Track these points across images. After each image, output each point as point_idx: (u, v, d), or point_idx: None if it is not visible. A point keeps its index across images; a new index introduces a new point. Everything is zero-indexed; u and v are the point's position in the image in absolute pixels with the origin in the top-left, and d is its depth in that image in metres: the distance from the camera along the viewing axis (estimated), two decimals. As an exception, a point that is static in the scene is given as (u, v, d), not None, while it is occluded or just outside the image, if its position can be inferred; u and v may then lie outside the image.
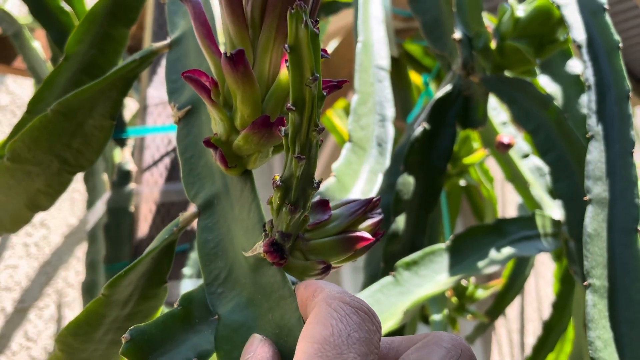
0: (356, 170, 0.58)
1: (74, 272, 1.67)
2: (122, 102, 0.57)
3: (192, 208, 1.04)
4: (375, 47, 0.67)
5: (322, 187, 0.61)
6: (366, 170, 0.59)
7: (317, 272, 0.35)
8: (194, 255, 0.98)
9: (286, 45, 0.28)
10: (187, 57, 0.48)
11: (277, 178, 0.32)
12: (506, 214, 2.79)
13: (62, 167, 0.58)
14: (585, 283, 0.46)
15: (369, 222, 0.37)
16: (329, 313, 0.27)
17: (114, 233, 0.99)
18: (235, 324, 0.34)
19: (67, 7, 0.92)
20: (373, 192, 0.58)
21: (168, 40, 0.50)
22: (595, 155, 0.51)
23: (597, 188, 0.50)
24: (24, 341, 1.50)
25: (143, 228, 1.01)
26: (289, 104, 0.29)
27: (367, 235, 0.36)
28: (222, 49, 0.36)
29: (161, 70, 1.12)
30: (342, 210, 0.37)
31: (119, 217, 1.00)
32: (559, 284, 1.14)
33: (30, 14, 0.92)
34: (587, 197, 0.50)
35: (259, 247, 0.34)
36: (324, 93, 0.29)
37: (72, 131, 0.56)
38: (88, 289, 1.03)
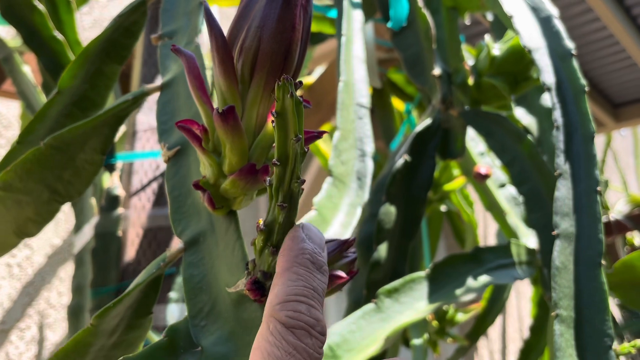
0: (336, 203, 0.60)
1: (57, 293, 1.66)
2: (113, 138, 0.59)
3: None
4: (356, 86, 0.70)
5: (304, 219, 0.63)
6: (346, 204, 0.61)
7: None
8: (180, 280, 1.00)
9: (274, 111, 0.31)
10: (177, 100, 0.50)
11: (261, 222, 0.35)
12: (487, 237, 2.84)
13: (52, 197, 0.59)
14: (553, 314, 0.50)
15: (343, 261, 0.40)
16: (266, 338, 0.29)
17: (102, 257, 1.00)
18: (217, 355, 0.37)
19: (59, 36, 0.95)
20: (352, 224, 0.61)
21: (159, 83, 0.53)
22: (563, 192, 0.55)
23: (565, 223, 0.53)
24: (5, 364, 1.49)
25: (130, 252, 1.02)
26: (274, 160, 0.32)
27: (342, 274, 0.39)
28: (213, 99, 0.39)
29: (151, 97, 1.14)
30: None
31: (107, 241, 1.01)
32: (536, 308, 1.17)
33: (23, 42, 0.94)
34: (555, 232, 0.53)
35: (242, 284, 0.37)
36: (305, 149, 0.32)
37: (64, 164, 0.57)
38: (74, 312, 1.03)
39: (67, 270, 1.71)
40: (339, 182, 0.61)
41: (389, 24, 0.84)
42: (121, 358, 0.36)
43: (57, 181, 0.58)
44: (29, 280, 1.65)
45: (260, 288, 0.36)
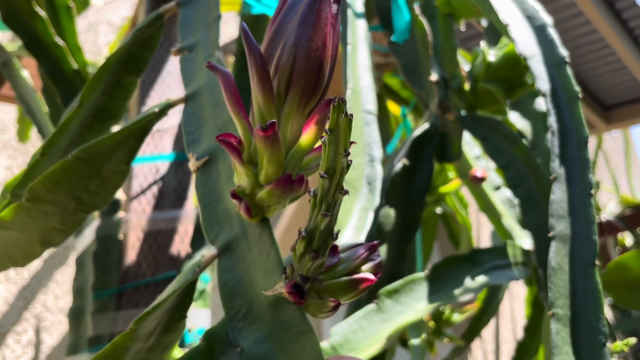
0: (349, 208, 0.62)
1: (53, 296, 1.67)
2: (139, 148, 0.60)
3: (180, 236, 1.06)
4: (363, 93, 0.72)
5: None
6: (358, 208, 0.63)
7: (329, 309, 0.40)
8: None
9: (327, 128, 0.34)
10: (202, 111, 0.52)
11: (302, 229, 0.37)
12: (481, 239, 2.86)
13: (78, 207, 0.60)
14: (549, 312, 0.51)
15: (370, 264, 0.42)
16: None
17: (103, 260, 1.00)
18: (257, 355, 0.39)
19: (60, 42, 0.95)
20: (365, 228, 0.63)
21: (184, 95, 0.54)
22: (559, 195, 0.57)
23: (560, 225, 0.55)
24: (4, 367, 1.49)
25: (131, 255, 1.03)
26: (322, 172, 0.35)
27: (371, 276, 0.41)
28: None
29: (150, 101, 1.15)
30: (349, 254, 0.42)
31: (108, 244, 1.02)
32: (530, 308, 1.19)
33: (25, 48, 0.95)
34: (551, 234, 0.55)
35: (279, 288, 0.39)
36: (349, 162, 0.35)
37: (91, 175, 0.59)
38: (75, 315, 1.04)
39: (63, 274, 1.72)
40: (350, 187, 0.63)
41: (393, 38, 0.86)
42: None
43: (84, 192, 0.60)
44: (26, 283, 1.65)
45: (299, 291, 0.38)
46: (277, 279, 0.40)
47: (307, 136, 0.40)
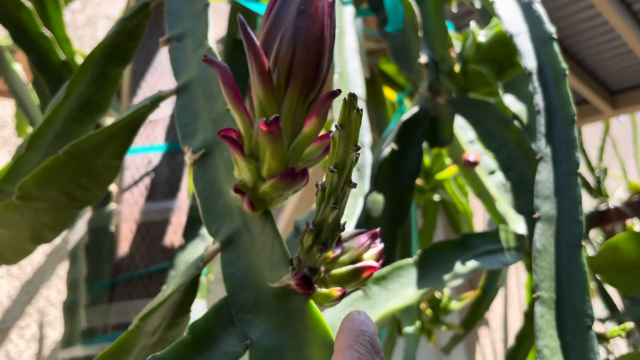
0: None
1: (56, 290, 1.67)
2: (131, 142, 0.59)
3: (174, 228, 1.05)
4: (351, 77, 0.70)
5: (308, 212, 0.65)
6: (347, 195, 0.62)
7: (335, 299, 0.40)
8: (173, 274, 1.00)
9: (337, 124, 0.34)
10: (195, 103, 0.51)
11: (310, 222, 0.38)
12: (489, 225, 2.84)
13: (70, 203, 0.60)
14: (534, 295, 0.50)
15: (373, 252, 0.43)
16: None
17: (95, 253, 1.00)
18: (267, 346, 0.39)
19: (47, 33, 0.95)
20: (355, 215, 0.62)
21: (175, 87, 0.53)
22: (544, 175, 0.55)
23: (546, 206, 0.54)
24: (5, 361, 1.50)
25: (123, 247, 1.03)
26: (331, 167, 0.35)
27: (375, 263, 0.42)
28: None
29: (141, 92, 1.14)
30: (352, 243, 0.43)
31: (100, 237, 1.02)
32: (530, 294, 1.18)
33: (11, 39, 0.94)
34: (536, 215, 0.53)
35: (287, 279, 0.39)
36: (357, 156, 0.36)
37: (82, 170, 0.58)
38: (69, 308, 1.04)
39: (66, 268, 1.72)
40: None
41: (387, 28, 0.84)
42: (150, 357, 0.38)
43: (75, 188, 0.59)
44: (28, 278, 1.66)
45: (308, 282, 0.38)
46: (282, 270, 0.40)
47: (309, 129, 0.40)
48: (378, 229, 0.44)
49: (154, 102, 0.56)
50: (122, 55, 0.67)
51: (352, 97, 0.34)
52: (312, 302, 0.39)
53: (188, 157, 0.48)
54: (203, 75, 0.53)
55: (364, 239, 0.43)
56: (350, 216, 0.63)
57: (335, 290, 0.40)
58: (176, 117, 0.52)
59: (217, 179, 0.46)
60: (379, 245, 0.44)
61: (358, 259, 0.42)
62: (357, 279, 0.41)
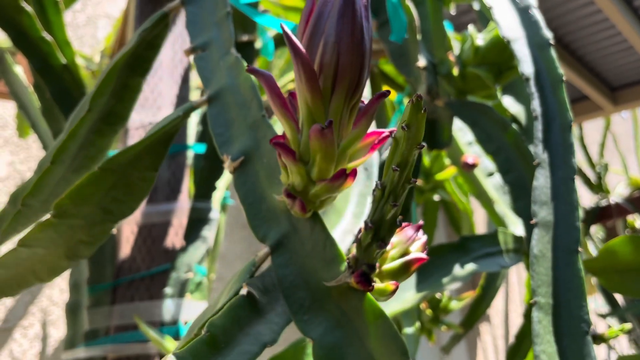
0: (347, 194, 0.62)
1: (59, 290, 1.68)
2: (166, 153, 0.59)
3: (175, 230, 1.05)
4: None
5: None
6: (356, 194, 0.63)
7: (390, 293, 0.42)
8: (175, 275, 1.01)
9: (404, 124, 0.36)
10: (229, 112, 0.52)
11: (368, 221, 0.39)
12: (490, 225, 2.84)
13: (106, 217, 0.60)
14: (531, 301, 0.50)
15: (418, 244, 0.45)
16: None
17: (97, 255, 1.01)
18: (329, 344, 0.40)
19: (48, 37, 0.95)
20: (364, 214, 0.62)
21: (206, 96, 0.54)
22: (541, 181, 0.56)
23: (543, 212, 0.54)
24: (9, 361, 1.51)
25: (125, 249, 1.03)
26: (394, 166, 0.37)
27: (423, 255, 0.44)
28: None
29: (142, 94, 1.15)
30: (399, 237, 0.45)
31: (102, 239, 1.02)
32: (530, 293, 1.18)
33: (12, 43, 0.95)
34: (533, 221, 0.54)
35: (344, 277, 0.40)
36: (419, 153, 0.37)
37: (117, 184, 0.58)
38: (72, 309, 1.05)
39: (68, 271, 1.73)
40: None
41: (391, 37, 0.84)
42: (171, 354, 0.39)
43: (111, 202, 0.59)
44: (31, 278, 1.67)
45: (367, 279, 0.39)
46: (337, 269, 0.41)
47: (357, 130, 0.41)
48: (421, 222, 0.46)
49: (187, 112, 0.56)
50: (143, 65, 0.68)
51: (419, 99, 0.35)
52: (370, 296, 0.40)
53: (227, 165, 0.49)
54: (233, 83, 0.53)
55: (410, 232, 0.44)
56: (359, 215, 0.63)
57: (390, 285, 0.41)
58: (211, 126, 0.52)
59: (259, 184, 0.47)
60: (422, 237, 0.46)
61: (406, 252, 0.44)
62: (408, 271, 0.43)
